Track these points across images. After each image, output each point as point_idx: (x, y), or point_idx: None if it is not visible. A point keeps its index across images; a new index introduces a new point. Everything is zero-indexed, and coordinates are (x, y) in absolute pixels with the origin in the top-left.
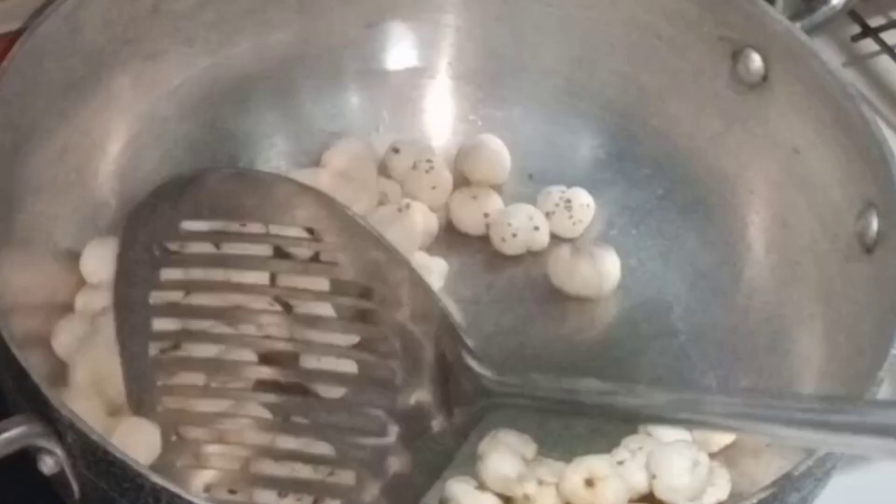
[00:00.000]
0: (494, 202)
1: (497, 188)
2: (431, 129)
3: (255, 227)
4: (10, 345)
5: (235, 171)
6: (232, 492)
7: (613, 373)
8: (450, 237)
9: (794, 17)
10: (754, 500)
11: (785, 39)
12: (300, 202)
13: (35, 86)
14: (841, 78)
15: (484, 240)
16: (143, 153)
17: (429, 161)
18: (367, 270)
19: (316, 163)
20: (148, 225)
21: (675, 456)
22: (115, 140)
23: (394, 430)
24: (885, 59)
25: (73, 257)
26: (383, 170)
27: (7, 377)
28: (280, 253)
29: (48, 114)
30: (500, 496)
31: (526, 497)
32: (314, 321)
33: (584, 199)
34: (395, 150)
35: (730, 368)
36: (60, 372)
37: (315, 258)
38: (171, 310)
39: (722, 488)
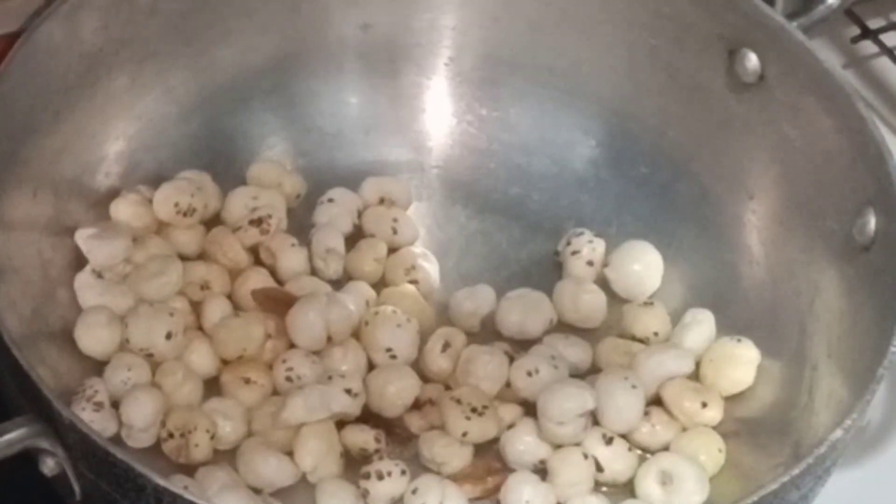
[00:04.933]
0: None
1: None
2: (428, 130)
3: None
4: (11, 346)
5: None
6: None
7: None
8: None
9: (792, 16)
10: (755, 498)
11: (781, 38)
12: None
13: (34, 86)
14: (838, 76)
15: None
16: (143, 153)
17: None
18: None
19: (313, 163)
20: None
21: None
22: (114, 140)
23: None
24: (884, 61)
25: (72, 257)
26: None
27: (8, 379)
28: None
29: (47, 114)
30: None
31: None
32: None
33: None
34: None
35: None
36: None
37: None
38: None
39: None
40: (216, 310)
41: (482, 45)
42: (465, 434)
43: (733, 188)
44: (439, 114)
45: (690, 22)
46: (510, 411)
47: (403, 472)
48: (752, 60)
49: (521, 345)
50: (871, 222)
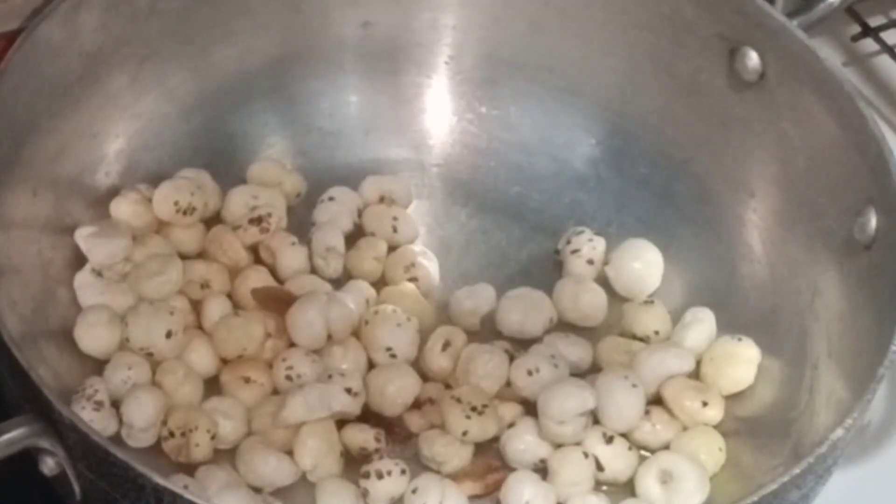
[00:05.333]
0: None
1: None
2: (428, 129)
3: None
4: (11, 345)
5: None
6: None
7: None
8: None
9: (792, 14)
10: (755, 498)
11: (782, 37)
12: None
13: (33, 86)
14: (838, 75)
15: None
16: (143, 153)
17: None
18: None
19: (313, 162)
20: None
21: None
22: (114, 140)
23: None
24: (885, 59)
25: (72, 256)
26: None
27: (7, 378)
28: None
29: (46, 114)
30: None
31: None
32: None
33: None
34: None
35: None
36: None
37: None
38: None
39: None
40: (216, 309)
41: (482, 45)
42: (465, 433)
43: (734, 187)
44: (439, 112)
45: (690, 21)
46: (510, 410)
47: (403, 472)
48: (753, 59)
49: (522, 343)
50: (872, 221)
